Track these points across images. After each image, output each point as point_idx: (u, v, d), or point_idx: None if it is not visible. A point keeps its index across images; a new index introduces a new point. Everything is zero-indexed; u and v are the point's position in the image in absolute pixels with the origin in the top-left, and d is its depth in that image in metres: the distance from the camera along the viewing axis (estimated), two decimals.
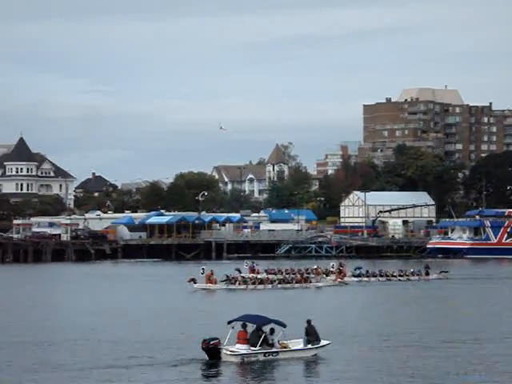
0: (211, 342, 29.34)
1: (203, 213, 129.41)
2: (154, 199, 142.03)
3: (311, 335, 31.11)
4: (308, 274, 66.88)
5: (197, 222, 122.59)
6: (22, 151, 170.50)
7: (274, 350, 30.20)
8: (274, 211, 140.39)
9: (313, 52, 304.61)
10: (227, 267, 75.80)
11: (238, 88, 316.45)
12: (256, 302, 51.63)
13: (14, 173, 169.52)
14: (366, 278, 69.17)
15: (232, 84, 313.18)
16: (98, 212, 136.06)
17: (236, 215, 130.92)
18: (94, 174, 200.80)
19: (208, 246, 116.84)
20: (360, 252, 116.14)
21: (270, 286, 61.88)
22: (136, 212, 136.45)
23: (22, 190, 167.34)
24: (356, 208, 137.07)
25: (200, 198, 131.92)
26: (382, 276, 70.11)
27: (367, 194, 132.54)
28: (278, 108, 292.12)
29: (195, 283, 59.97)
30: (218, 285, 60.82)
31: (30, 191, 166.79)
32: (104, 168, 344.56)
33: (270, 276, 66.21)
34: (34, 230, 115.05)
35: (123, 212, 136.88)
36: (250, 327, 30.28)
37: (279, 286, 62.02)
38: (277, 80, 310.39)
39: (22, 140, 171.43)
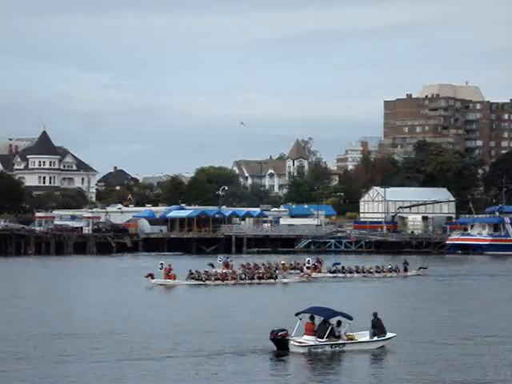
0: (279, 333, 30.14)
1: (223, 207, 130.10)
2: (174, 193, 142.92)
3: (378, 328, 31.65)
4: (275, 269, 65.23)
5: (217, 216, 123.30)
6: (44, 145, 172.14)
7: (340, 341, 30.83)
8: (293, 206, 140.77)
9: (334, 48, 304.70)
10: (246, 261, 76.21)
11: (259, 83, 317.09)
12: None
13: (36, 166, 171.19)
14: (341, 275, 67.55)
15: (253, 79, 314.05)
16: (120, 205, 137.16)
17: (256, 210, 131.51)
18: (115, 167, 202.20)
19: (228, 240, 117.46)
20: (379, 247, 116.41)
21: (232, 282, 59.67)
22: (157, 206, 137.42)
23: (44, 183, 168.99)
24: (375, 203, 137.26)
25: (220, 193, 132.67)
26: (358, 272, 68.41)
27: (387, 189, 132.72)
28: (299, 103, 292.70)
29: (153, 278, 57.41)
30: (178, 280, 58.63)
31: (52, 184, 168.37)
32: (125, 162, 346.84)
33: (235, 271, 63.20)
34: (56, 222, 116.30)
35: (144, 206, 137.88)
36: (317, 319, 31.00)
37: (242, 281, 60.08)
38: (298, 75, 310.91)
39: (44, 133, 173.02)
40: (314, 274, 66.85)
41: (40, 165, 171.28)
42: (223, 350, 30.51)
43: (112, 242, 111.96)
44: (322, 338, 30.56)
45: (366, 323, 32.64)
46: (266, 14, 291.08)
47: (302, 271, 67.38)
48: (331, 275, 67.29)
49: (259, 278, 61.45)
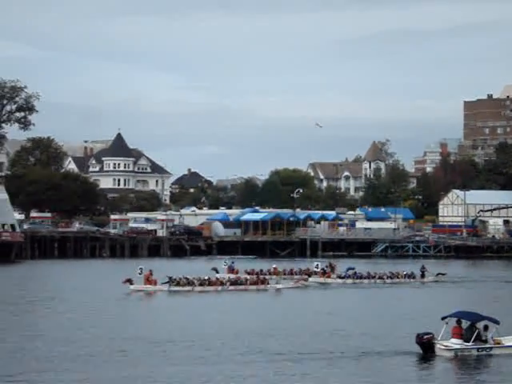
0: (424, 337, 30.41)
1: (298, 210, 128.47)
2: (248, 196, 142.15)
3: None
4: (267, 274, 62.56)
5: (291, 219, 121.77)
6: (119, 147, 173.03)
7: (487, 345, 30.72)
8: (370, 209, 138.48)
9: (411, 47, 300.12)
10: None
11: (334, 84, 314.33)
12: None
13: (111, 168, 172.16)
14: (350, 280, 64.41)
15: (329, 80, 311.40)
16: (194, 208, 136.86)
17: (331, 213, 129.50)
18: (189, 170, 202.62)
19: (303, 243, 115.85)
20: (459, 252, 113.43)
21: (219, 287, 56.19)
22: (231, 208, 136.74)
23: (119, 185, 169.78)
24: (455, 207, 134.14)
25: (295, 195, 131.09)
26: (370, 278, 65.03)
27: (467, 192, 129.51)
28: (376, 104, 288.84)
29: (131, 284, 54.00)
30: (158, 286, 55.23)
31: (126, 187, 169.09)
32: (199, 164, 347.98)
33: (223, 276, 60.45)
34: (131, 225, 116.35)
35: (218, 208, 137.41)
36: (464, 323, 31.06)
37: (231, 287, 56.37)
38: (375, 76, 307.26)
39: (119, 136, 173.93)
40: (322, 280, 64.18)
41: (115, 167, 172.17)
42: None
43: (186, 244, 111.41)
44: (469, 341, 30.58)
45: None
46: (341, 13, 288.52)
47: (309, 276, 64.79)
48: (341, 281, 64.44)
49: (251, 283, 57.80)
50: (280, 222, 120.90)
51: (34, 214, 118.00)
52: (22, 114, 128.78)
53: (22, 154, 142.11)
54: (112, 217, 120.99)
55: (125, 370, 27.08)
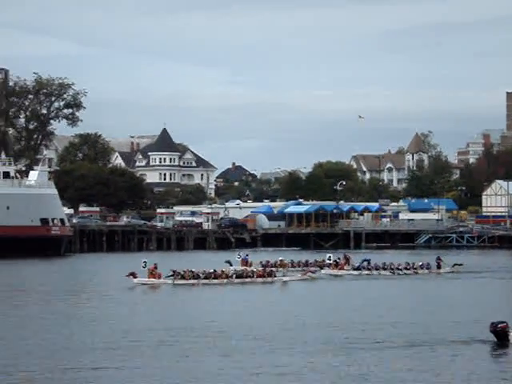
0: (499, 325, 30.37)
1: (341, 202, 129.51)
2: (292, 188, 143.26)
3: None
4: (275, 266, 61.00)
5: (335, 211, 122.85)
6: (165, 142, 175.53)
7: None
8: (413, 200, 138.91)
9: (453, 39, 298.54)
10: (364, 257, 75.38)
11: (376, 77, 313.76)
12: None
13: (157, 163, 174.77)
14: (366, 272, 62.85)
15: (371, 73, 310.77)
16: (238, 201, 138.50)
17: (374, 204, 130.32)
18: (233, 163, 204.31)
19: (346, 235, 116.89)
20: (502, 242, 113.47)
21: (225, 280, 54.72)
22: (275, 201, 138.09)
23: (165, 179, 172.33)
24: (498, 197, 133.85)
25: (338, 188, 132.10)
26: (385, 269, 63.52)
27: (510, 182, 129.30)
28: (418, 96, 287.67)
29: (135, 278, 52.90)
30: (163, 280, 53.89)
31: (172, 181, 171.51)
32: (244, 158, 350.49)
33: (231, 269, 58.34)
34: (177, 218, 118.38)
35: (262, 201, 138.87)
36: None
37: (236, 280, 54.91)
38: (417, 68, 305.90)
39: (165, 131, 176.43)
40: (335, 272, 62.95)
41: (160, 162, 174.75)
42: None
43: (231, 237, 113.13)
44: None
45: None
46: (383, 6, 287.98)
47: (322, 269, 63.69)
48: (356, 273, 63.04)
49: (258, 276, 56.35)
50: (324, 214, 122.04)
51: (82, 208, 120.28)
52: (70, 110, 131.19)
53: (70, 150, 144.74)
54: (158, 210, 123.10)
55: (183, 361, 27.33)
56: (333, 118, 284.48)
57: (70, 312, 41.01)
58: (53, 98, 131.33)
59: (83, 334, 32.96)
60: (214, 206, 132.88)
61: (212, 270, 55.26)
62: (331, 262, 64.56)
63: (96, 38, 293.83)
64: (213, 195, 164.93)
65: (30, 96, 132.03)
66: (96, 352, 28.68)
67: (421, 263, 65.13)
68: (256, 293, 52.17)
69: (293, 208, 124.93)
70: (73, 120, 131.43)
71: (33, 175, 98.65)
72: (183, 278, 53.79)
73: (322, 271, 63.18)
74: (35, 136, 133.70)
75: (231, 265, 60.29)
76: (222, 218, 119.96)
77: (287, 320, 37.25)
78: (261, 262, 62.82)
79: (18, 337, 31.97)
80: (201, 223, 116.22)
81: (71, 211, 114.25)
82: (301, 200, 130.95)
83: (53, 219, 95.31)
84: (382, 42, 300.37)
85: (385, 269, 63.62)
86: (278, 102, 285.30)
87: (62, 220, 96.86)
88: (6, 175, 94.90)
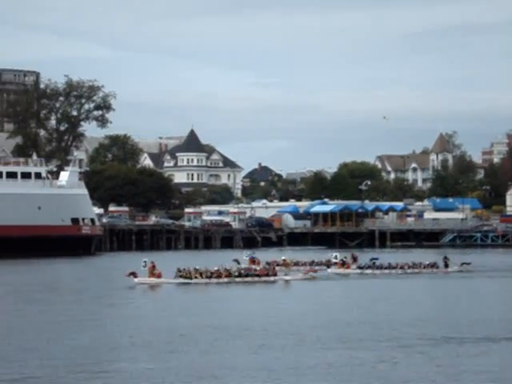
0: None
1: (366, 201, 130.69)
2: (317, 188, 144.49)
3: None
4: (277, 265, 59.85)
5: (360, 210, 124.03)
6: (192, 143, 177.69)
7: None
8: (438, 200, 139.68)
9: (477, 40, 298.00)
10: (388, 256, 75.93)
11: (401, 77, 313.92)
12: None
13: (185, 163, 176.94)
14: (369, 271, 61.97)
15: (396, 73, 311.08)
16: (264, 201, 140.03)
17: (399, 204, 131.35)
18: (260, 164, 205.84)
19: (371, 234, 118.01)
20: None
21: (225, 279, 53.72)
22: (300, 201, 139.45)
23: (192, 179, 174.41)
24: None
25: (363, 187, 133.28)
26: (391, 268, 62.48)
27: None
28: (443, 96, 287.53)
29: (136, 277, 52.14)
30: (163, 279, 53.18)
31: (200, 181, 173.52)
32: (270, 158, 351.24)
33: (230, 268, 56.81)
34: (206, 218, 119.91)
35: (288, 201, 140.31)
36: None
37: (237, 279, 54.12)
38: (440, 68, 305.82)
39: (192, 132, 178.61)
40: (340, 271, 62.45)
41: (188, 162, 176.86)
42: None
43: (258, 236, 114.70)
44: None
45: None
46: (407, 8, 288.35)
47: (328, 268, 63.36)
48: (359, 271, 62.19)
49: (257, 275, 55.40)
50: (349, 214, 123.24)
51: (112, 208, 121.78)
52: (100, 112, 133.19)
53: (100, 151, 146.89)
54: (186, 210, 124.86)
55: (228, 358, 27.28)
56: (358, 119, 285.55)
57: (105, 310, 41.47)
58: (83, 100, 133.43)
59: (120, 332, 33.02)
60: (240, 205, 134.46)
61: (216, 269, 54.73)
62: (337, 261, 64.30)
63: (125, 40, 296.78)
64: (239, 195, 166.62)
65: (61, 98, 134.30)
66: (135, 350, 28.65)
67: (427, 262, 64.44)
68: (276, 290, 52.43)
69: (318, 207, 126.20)
70: (102, 121, 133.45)
71: (64, 176, 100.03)
72: (185, 276, 53.29)
73: (329, 270, 62.82)
74: (66, 137, 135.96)
75: (239, 263, 59.83)
76: (250, 217, 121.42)
77: (321, 318, 37.40)
78: (267, 262, 61.82)
79: (67, 336, 31.90)
80: (228, 222, 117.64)
81: (101, 211, 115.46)
82: (326, 200, 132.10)
83: (83, 219, 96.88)
84: (408, 43, 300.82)
85: (391, 268, 62.88)
86: (304, 102, 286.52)
87: (92, 220, 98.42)
88: (38, 176, 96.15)
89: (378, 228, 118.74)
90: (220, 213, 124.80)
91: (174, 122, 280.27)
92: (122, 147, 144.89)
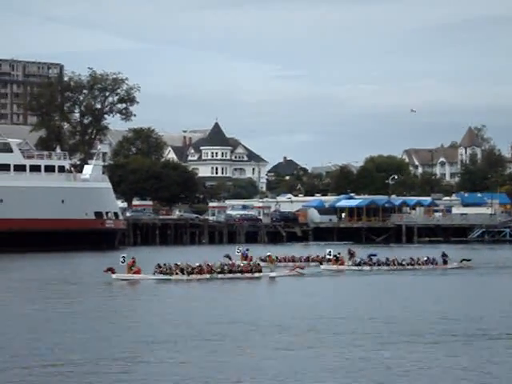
0: None
1: (393, 196, 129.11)
2: (343, 182, 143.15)
3: None
4: (262, 260, 58.90)
5: (387, 205, 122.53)
6: (217, 136, 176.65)
7: None
8: (466, 195, 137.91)
9: (505, 33, 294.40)
10: (416, 252, 74.60)
11: (429, 70, 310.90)
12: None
13: (209, 157, 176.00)
14: (367, 267, 60.54)
15: (423, 66, 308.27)
16: (289, 195, 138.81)
17: (427, 199, 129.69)
18: (285, 157, 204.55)
19: (398, 229, 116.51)
20: None
21: (207, 276, 52.58)
22: (326, 195, 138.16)
23: (217, 173, 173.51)
24: None
25: (390, 182, 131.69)
26: (387, 264, 61.34)
27: None
28: (471, 90, 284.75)
29: (113, 273, 51.27)
30: (142, 275, 52.16)
31: (224, 175, 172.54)
32: (295, 152, 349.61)
33: (213, 264, 55.06)
34: (234, 212, 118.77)
35: (313, 195, 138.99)
36: None
37: (219, 276, 52.92)
38: (469, 61, 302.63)
39: (217, 125, 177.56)
40: (335, 267, 60.87)
41: (213, 156, 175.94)
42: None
43: (282, 231, 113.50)
44: None
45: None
46: (435, 0, 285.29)
47: (321, 264, 61.83)
48: (356, 268, 60.75)
49: (241, 271, 54.06)
50: (375, 209, 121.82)
51: (135, 202, 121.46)
52: (124, 105, 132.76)
53: (123, 144, 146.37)
54: (210, 204, 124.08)
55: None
56: (384, 112, 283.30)
57: (128, 304, 41.25)
58: (107, 93, 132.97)
59: (142, 326, 32.94)
60: (265, 200, 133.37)
61: (197, 265, 53.49)
62: (331, 257, 62.66)
63: (149, 33, 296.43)
64: (264, 189, 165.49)
65: (85, 91, 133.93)
66: (156, 344, 28.44)
67: (425, 258, 63.36)
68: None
69: (344, 202, 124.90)
70: (126, 115, 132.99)
71: (87, 169, 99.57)
72: (164, 272, 52.32)
73: (322, 266, 61.40)
74: (89, 130, 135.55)
75: (230, 259, 58.10)
76: (276, 211, 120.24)
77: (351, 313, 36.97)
78: (260, 258, 60.92)
79: (90, 328, 31.97)
80: (257, 217, 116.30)
81: (125, 205, 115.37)
82: (352, 194, 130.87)
83: (107, 213, 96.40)
84: (436, 36, 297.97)
85: (387, 264, 61.70)
86: (329, 96, 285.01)
87: (115, 213, 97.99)
88: (61, 169, 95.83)
89: (405, 223, 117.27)
90: (244, 207, 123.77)
91: (199, 115, 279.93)
92: (145, 140, 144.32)
